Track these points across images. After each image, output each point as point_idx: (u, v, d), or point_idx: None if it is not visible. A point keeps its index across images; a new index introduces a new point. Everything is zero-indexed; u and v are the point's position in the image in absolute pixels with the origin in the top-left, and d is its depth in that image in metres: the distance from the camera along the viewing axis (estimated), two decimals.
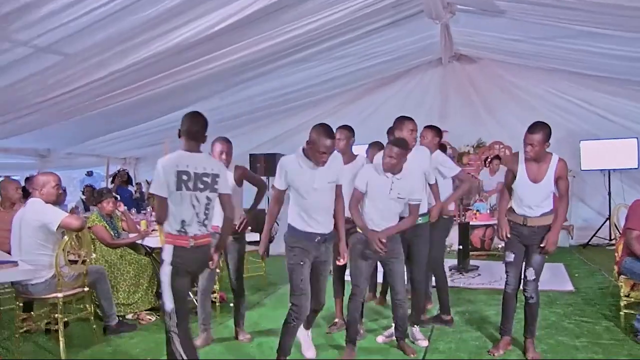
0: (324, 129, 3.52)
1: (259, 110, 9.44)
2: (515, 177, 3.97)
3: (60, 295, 4.04)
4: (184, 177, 3.11)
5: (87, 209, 8.63)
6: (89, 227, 4.92)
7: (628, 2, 4.48)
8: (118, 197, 7.79)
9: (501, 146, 9.79)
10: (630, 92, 8.19)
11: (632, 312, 4.52)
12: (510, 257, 4.05)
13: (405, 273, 4.28)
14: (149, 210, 7.62)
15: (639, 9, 4.52)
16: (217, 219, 3.42)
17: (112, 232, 5.05)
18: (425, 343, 4.35)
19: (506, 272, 4.13)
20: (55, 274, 4.04)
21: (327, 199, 3.66)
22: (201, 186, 3.16)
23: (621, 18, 4.98)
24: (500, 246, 7.74)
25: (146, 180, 9.75)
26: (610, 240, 8.47)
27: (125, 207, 7.96)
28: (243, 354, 4.26)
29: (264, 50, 5.88)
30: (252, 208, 4.56)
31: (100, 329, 4.55)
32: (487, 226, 8.23)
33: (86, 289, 4.31)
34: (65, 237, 4.10)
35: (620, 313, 4.59)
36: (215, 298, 5.22)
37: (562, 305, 5.35)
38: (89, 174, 11.22)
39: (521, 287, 4.08)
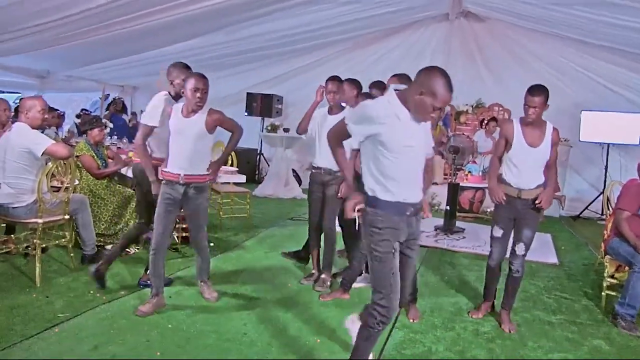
0: (447, 80, 2.55)
1: (260, 50, 9.25)
2: (510, 145, 3.88)
3: (40, 220, 4.02)
4: None
5: (80, 134, 8.54)
6: (76, 156, 4.86)
7: None
8: (111, 125, 7.77)
9: (500, 108, 9.67)
10: (637, 65, 8.00)
11: (614, 294, 4.48)
12: (499, 232, 3.99)
13: None
14: None
15: None
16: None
17: (99, 162, 4.99)
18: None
19: (491, 245, 4.08)
20: (36, 200, 4.01)
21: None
22: None
23: None
24: (489, 210, 7.72)
25: (141, 110, 9.63)
26: (602, 215, 8.45)
27: (116, 137, 7.96)
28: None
29: None
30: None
31: (79, 257, 4.56)
32: (477, 189, 8.19)
33: (67, 217, 4.27)
34: (50, 163, 4.06)
35: (602, 294, 4.55)
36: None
37: (543, 278, 5.31)
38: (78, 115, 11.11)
39: (508, 257, 4.04)
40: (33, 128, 4.03)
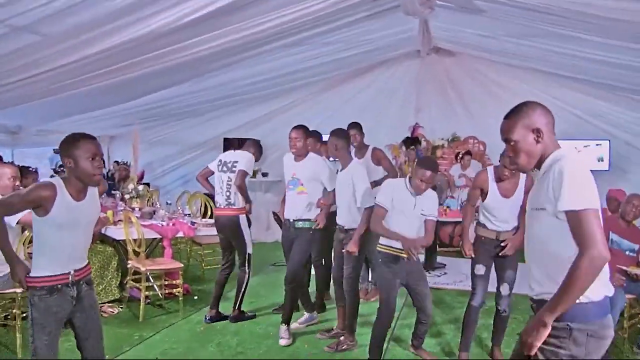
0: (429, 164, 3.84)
1: (231, 96, 9.37)
2: (485, 194, 3.96)
3: (18, 290, 3.95)
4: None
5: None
6: None
7: (602, 13, 4.48)
8: None
9: (475, 141, 9.81)
10: (605, 94, 8.25)
11: None
12: (481, 270, 4.03)
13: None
14: (118, 196, 7.52)
15: (611, 19, 4.53)
16: None
17: None
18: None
19: (473, 286, 4.09)
20: None
21: None
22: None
23: (594, 25, 4.99)
24: None
25: (116, 162, 9.61)
26: None
27: None
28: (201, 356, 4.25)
29: (239, 39, 5.77)
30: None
31: None
32: (456, 223, 8.27)
33: None
34: (26, 232, 4.01)
35: None
36: (178, 292, 5.15)
37: (522, 311, 5.13)
38: (56, 151, 10.99)
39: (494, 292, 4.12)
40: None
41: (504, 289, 4.01)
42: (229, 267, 5.19)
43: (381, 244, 3.99)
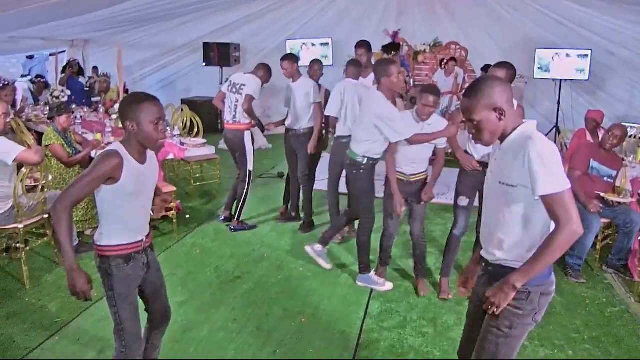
0: None
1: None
2: None
3: (20, 226, 4.03)
4: None
5: (35, 100, 8.33)
6: (45, 146, 4.82)
7: None
8: (69, 92, 7.58)
9: (457, 46, 9.72)
10: (590, 1, 8.14)
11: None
12: (464, 202, 4.14)
13: None
14: (101, 110, 7.45)
15: None
16: None
17: (68, 150, 4.95)
18: (387, 287, 4.37)
19: (456, 214, 4.23)
20: (14, 205, 4.00)
21: None
22: None
23: None
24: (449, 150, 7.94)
25: (94, 67, 9.37)
26: None
27: (74, 104, 7.79)
28: (201, 280, 4.46)
29: None
30: None
31: (60, 251, 4.63)
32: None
33: (46, 215, 4.30)
34: (24, 169, 4.04)
35: None
36: (172, 214, 5.30)
37: None
38: (29, 57, 10.68)
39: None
40: None
41: None
42: None
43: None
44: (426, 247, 4.40)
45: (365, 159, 4.15)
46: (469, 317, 2.52)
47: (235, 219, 5.50)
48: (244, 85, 5.22)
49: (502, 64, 3.90)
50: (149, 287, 2.67)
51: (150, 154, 2.52)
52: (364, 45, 5.46)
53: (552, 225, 2.03)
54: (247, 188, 5.45)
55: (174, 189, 5.29)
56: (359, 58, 5.37)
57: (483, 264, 2.33)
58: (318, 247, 4.57)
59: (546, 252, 1.98)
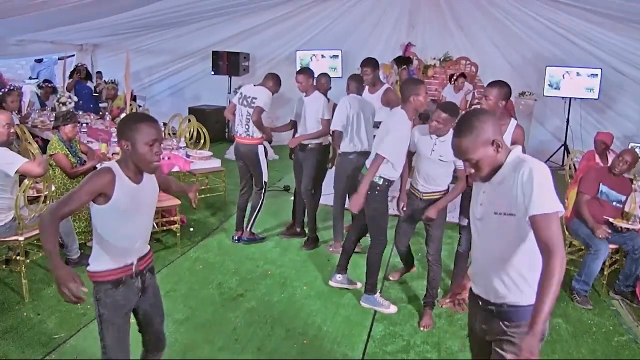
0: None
1: (221, 9, 9.02)
2: None
3: (21, 238, 3.99)
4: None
5: (42, 105, 8.33)
6: (50, 155, 4.80)
7: None
8: (76, 98, 7.58)
9: (468, 62, 9.67)
10: (600, 20, 8.11)
11: (573, 268, 4.82)
12: (464, 221, 4.20)
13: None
14: (108, 119, 7.43)
15: None
16: None
17: (73, 160, 4.92)
18: (392, 309, 4.28)
19: (460, 233, 4.34)
20: (15, 217, 3.97)
21: None
22: None
23: None
24: None
25: (98, 72, 9.35)
26: (562, 165, 8.79)
27: (81, 110, 7.78)
28: (203, 297, 4.40)
29: None
30: None
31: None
32: None
33: None
34: (26, 180, 4.01)
35: None
36: (176, 228, 5.25)
37: None
38: (38, 60, 10.70)
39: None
40: (0, 145, 3.92)
41: None
42: (248, 191, 5.56)
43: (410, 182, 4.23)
44: (441, 272, 4.31)
45: (382, 180, 4.05)
46: (472, 354, 2.46)
47: (248, 229, 5.49)
48: (255, 98, 5.20)
49: (494, 83, 3.85)
50: (141, 313, 2.60)
51: (148, 175, 2.46)
52: (369, 63, 5.38)
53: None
54: (263, 199, 5.46)
55: (178, 202, 5.23)
56: (365, 75, 5.31)
57: (479, 302, 2.25)
58: (339, 277, 4.55)
59: (553, 283, 1.88)
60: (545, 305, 1.89)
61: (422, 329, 4.06)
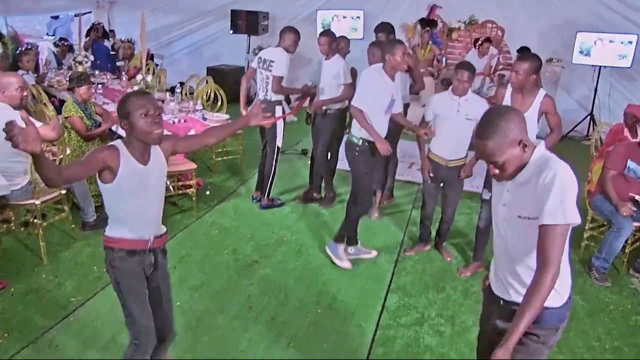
0: None
1: None
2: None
3: (37, 202, 3.99)
4: None
5: (59, 63, 8.27)
6: (65, 117, 4.77)
7: None
8: (92, 57, 7.50)
9: (494, 25, 9.38)
10: None
11: (593, 244, 4.74)
12: (487, 195, 4.12)
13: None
14: (124, 76, 7.36)
15: None
16: None
17: (87, 122, 4.87)
18: (345, 264, 4.40)
19: (481, 207, 4.28)
20: (30, 181, 3.96)
21: None
22: None
23: None
24: None
25: (120, 40, 9.21)
26: (587, 136, 8.58)
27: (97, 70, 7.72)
28: (218, 263, 4.38)
29: None
30: None
31: (78, 222, 4.61)
32: None
33: (63, 191, 4.26)
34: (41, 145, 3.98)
35: (582, 243, 4.79)
36: (192, 192, 5.23)
37: None
38: (54, 17, 10.59)
39: None
40: (14, 108, 3.85)
41: None
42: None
43: (431, 151, 4.30)
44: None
45: (361, 140, 4.16)
46: (479, 354, 2.43)
47: (265, 196, 5.46)
48: (273, 61, 5.08)
49: (525, 57, 3.77)
50: (150, 293, 2.58)
51: (155, 153, 2.43)
52: (384, 28, 5.27)
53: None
54: (275, 165, 5.37)
55: (194, 166, 5.20)
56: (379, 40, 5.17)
57: (500, 302, 2.18)
58: (351, 249, 4.54)
59: (536, 301, 1.83)
60: (524, 321, 1.84)
61: (448, 259, 4.62)
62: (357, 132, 4.18)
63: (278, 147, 5.32)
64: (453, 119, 4.06)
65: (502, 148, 1.90)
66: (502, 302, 2.17)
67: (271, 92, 5.14)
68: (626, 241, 4.48)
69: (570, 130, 8.81)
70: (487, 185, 4.16)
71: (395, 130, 5.02)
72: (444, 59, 9.25)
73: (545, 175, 1.86)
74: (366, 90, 4.07)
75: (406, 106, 5.30)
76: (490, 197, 4.00)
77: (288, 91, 5.33)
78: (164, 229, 2.60)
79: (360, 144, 4.17)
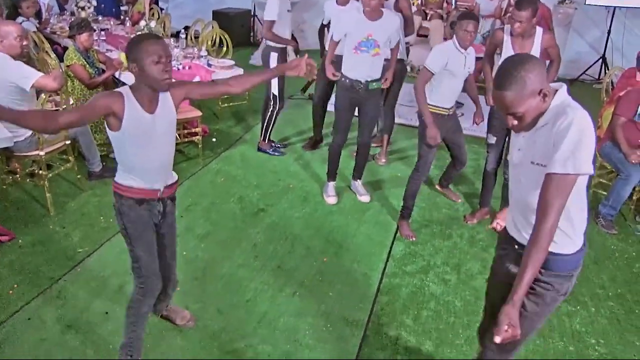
0: None
1: None
2: (499, 53, 3.97)
3: (42, 153, 3.98)
4: None
5: (61, 9, 8.10)
6: (67, 66, 4.70)
7: None
8: (95, 2, 7.33)
9: None
10: None
11: (601, 191, 4.70)
12: (492, 139, 4.12)
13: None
14: (127, 22, 7.22)
15: None
16: None
17: (90, 70, 4.81)
18: (366, 199, 4.66)
19: (487, 151, 4.25)
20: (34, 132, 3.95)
21: None
22: None
23: None
24: None
25: None
26: (599, 79, 8.39)
27: (101, 15, 7.56)
28: (224, 211, 4.40)
29: None
30: None
31: (84, 172, 4.61)
32: (478, 58, 7.96)
33: (68, 142, 4.24)
34: (43, 95, 3.94)
35: (590, 191, 4.74)
36: (197, 139, 5.20)
37: None
38: None
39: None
40: (14, 58, 3.79)
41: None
42: None
43: (430, 105, 3.98)
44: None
45: (343, 77, 4.28)
46: (489, 301, 2.41)
47: (264, 139, 5.42)
48: (265, 3, 4.91)
49: (522, 4, 3.66)
50: (156, 240, 2.60)
51: (163, 101, 2.36)
52: None
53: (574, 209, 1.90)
54: (272, 112, 5.25)
55: (200, 113, 5.15)
56: None
57: (514, 245, 2.14)
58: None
59: (537, 252, 1.82)
60: (527, 274, 1.83)
61: (458, 200, 4.74)
62: (343, 67, 4.30)
63: (274, 94, 5.16)
64: (460, 73, 3.96)
65: (522, 99, 1.82)
66: (516, 245, 2.13)
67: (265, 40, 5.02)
68: (634, 189, 4.45)
69: (582, 74, 8.62)
70: (492, 129, 4.14)
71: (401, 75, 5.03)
72: (453, 0, 8.96)
73: (561, 122, 1.79)
74: (338, 26, 4.28)
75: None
76: (496, 141, 4.03)
77: (280, 40, 4.98)
78: (174, 177, 2.59)
79: (341, 79, 4.30)
